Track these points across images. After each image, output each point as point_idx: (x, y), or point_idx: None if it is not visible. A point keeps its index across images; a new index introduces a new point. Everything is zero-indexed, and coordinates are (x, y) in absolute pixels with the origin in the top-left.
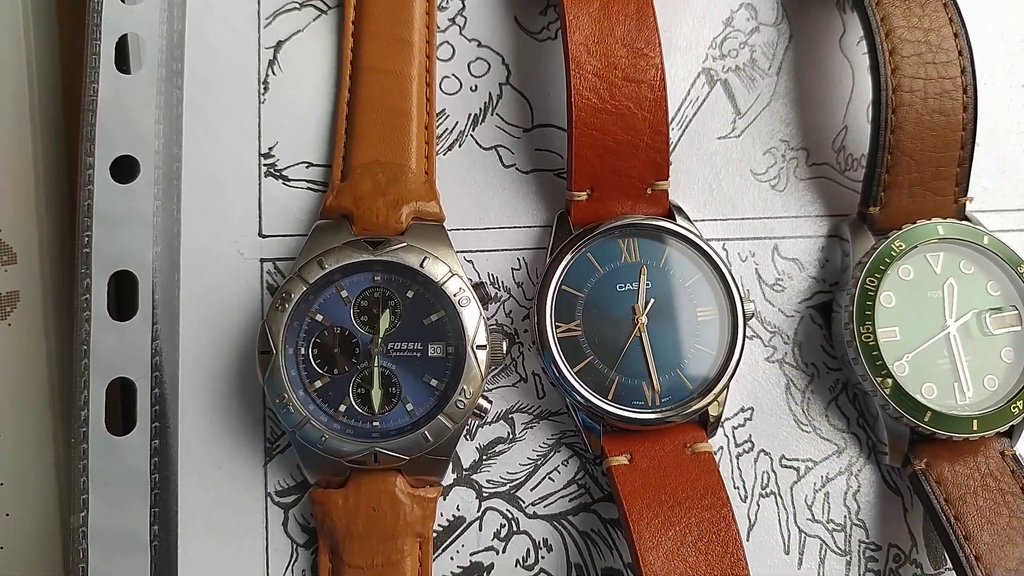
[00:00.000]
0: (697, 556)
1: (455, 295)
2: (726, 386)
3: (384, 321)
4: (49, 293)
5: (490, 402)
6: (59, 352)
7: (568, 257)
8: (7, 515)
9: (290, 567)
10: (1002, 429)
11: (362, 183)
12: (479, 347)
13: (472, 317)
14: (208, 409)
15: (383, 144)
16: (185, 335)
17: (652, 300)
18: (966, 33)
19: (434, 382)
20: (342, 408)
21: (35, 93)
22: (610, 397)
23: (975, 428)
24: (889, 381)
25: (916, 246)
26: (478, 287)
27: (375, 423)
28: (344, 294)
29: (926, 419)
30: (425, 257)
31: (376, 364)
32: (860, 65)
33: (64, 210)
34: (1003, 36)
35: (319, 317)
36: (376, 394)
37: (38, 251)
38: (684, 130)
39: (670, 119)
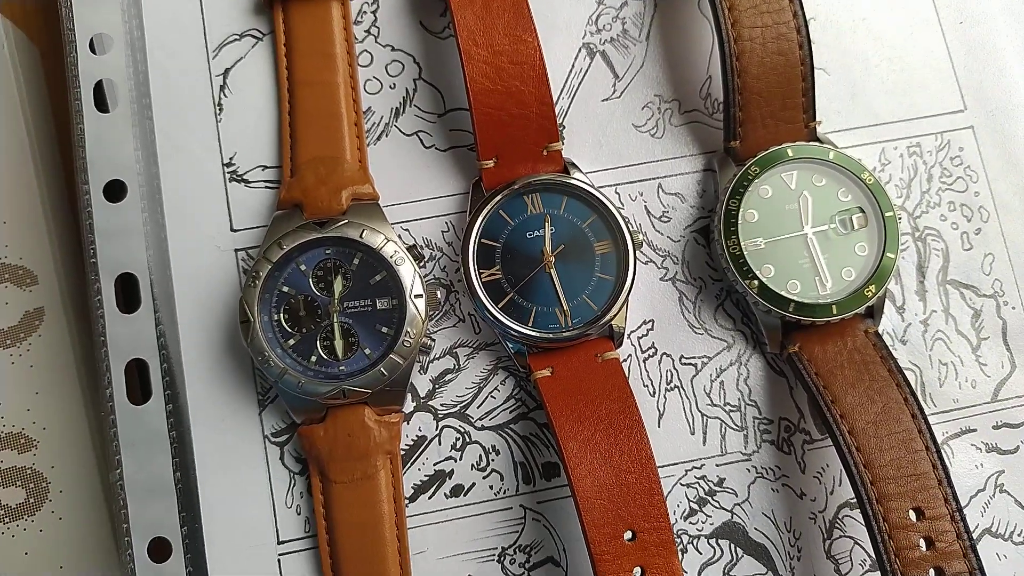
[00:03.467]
0: (608, 441)
1: (391, 257)
2: (624, 303)
3: (338, 285)
4: (68, 303)
5: (433, 340)
6: (82, 347)
7: (482, 215)
8: (60, 491)
9: (290, 491)
10: (860, 310)
11: (307, 176)
12: (416, 296)
13: (408, 273)
14: (209, 375)
15: (321, 142)
16: (182, 318)
17: (558, 241)
18: None
19: (385, 329)
20: (313, 359)
21: (33, 140)
22: (530, 324)
23: (835, 312)
24: (756, 282)
25: (771, 168)
26: (411, 248)
27: (341, 367)
28: (303, 267)
29: (790, 309)
30: (363, 229)
31: (336, 320)
32: None
33: (69, 233)
34: None
35: (285, 288)
36: (339, 344)
37: (54, 271)
38: (572, 98)
39: (559, 90)
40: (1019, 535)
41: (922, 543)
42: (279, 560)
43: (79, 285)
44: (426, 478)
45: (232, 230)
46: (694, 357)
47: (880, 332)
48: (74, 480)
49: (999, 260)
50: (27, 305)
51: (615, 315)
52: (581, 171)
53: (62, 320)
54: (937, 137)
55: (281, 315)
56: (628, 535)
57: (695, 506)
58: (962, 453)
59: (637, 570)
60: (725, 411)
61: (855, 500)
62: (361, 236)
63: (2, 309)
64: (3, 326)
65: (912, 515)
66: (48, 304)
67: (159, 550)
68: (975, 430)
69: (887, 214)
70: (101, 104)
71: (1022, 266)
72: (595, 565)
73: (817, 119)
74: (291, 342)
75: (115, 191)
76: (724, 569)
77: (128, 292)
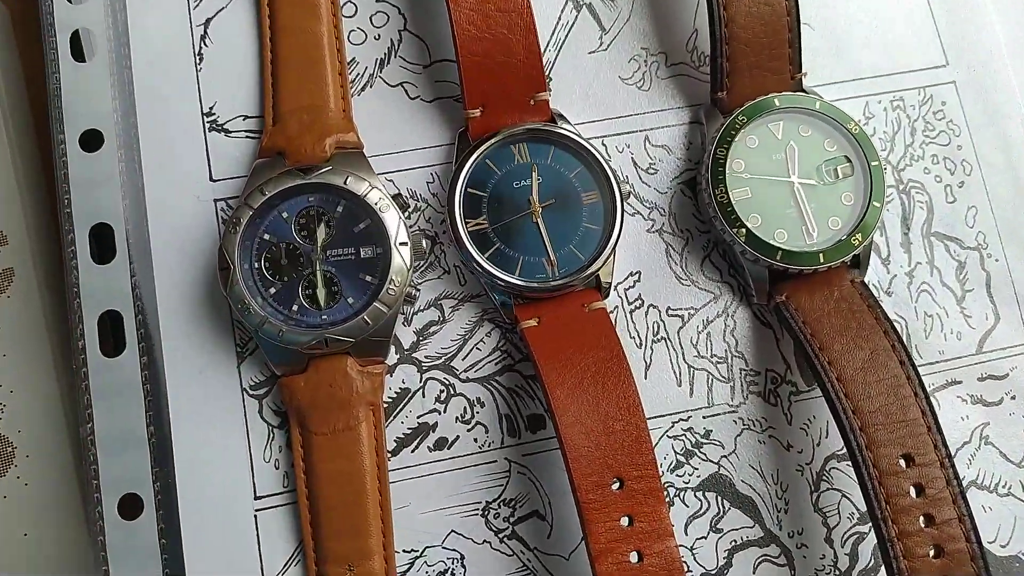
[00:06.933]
0: (596, 389)
1: (376, 204)
2: (611, 254)
3: (321, 233)
4: (38, 264)
5: (418, 290)
6: (53, 310)
7: (468, 164)
8: (27, 456)
9: (268, 445)
10: (847, 259)
11: (290, 124)
12: (401, 244)
13: (393, 220)
14: (185, 326)
15: (304, 91)
16: (159, 269)
17: (545, 191)
18: None
19: (369, 278)
20: (295, 307)
21: (4, 102)
22: (517, 273)
23: (822, 260)
24: (743, 231)
25: (758, 117)
26: (396, 197)
27: (324, 316)
28: (285, 215)
29: (778, 257)
30: (347, 176)
31: (318, 269)
32: None
33: (40, 193)
34: None
35: (266, 236)
36: (321, 293)
37: (24, 230)
38: (559, 50)
39: (546, 43)
40: (1004, 487)
41: (912, 490)
42: (255, 516)
43: (50, 246)
44: (409, 431)
45: (211, 180)
46: (681, 309)
47: (864, 282)
48: (41, 445)
49: (982, 213)
50: None
51: (602, 266)
52: (568, 122)
53: (32, 281)
54: (920, 92)
55: (262, 263)
56: (616, 484)
57: (682, 458)
58: (948, 405)
59: (624, 519)
60: (712, 363)
61: (843, 452)
62: (345, 183)
63: None
64: None
65: (902, 462)
66: (18, 265)
67: (130, 506)
68: (960, 382)
69: (873, 163)
70: (78, 54)
71: (1005, 219)
72: (582, 514)
73: (803, 71)
74: (272, 291)
75: (91, 141)
76: (711, 522)
77: (103, 243)
